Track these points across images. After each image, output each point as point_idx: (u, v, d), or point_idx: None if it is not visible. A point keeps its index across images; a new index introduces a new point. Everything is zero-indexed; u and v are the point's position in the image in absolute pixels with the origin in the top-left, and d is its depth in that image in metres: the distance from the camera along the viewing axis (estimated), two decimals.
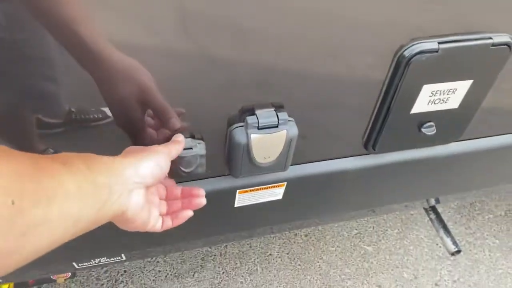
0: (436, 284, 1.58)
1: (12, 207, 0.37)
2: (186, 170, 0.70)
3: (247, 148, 0.69)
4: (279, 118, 0.68)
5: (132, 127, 0.66)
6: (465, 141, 0.89)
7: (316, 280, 1.55)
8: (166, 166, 0.58)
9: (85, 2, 0.52)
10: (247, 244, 1.62)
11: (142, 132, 0.67)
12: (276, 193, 0.86)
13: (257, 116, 0.67)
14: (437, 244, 1.69)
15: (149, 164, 0.55)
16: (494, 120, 0.88)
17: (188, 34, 0.58)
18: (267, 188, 0.83)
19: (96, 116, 0.64)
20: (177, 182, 0.76)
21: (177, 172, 0.70)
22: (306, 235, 1.66)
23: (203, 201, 0.65)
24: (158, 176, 0.56)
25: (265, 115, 0.68)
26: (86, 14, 0.53)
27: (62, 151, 0.55)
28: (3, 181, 0.38)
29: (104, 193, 0.49)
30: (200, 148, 0.69)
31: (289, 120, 0.70)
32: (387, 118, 0.75)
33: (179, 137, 0.65)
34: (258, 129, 0.68)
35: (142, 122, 0.66)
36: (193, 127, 0.69)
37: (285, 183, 0.84)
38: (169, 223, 0.62)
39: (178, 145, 0.63)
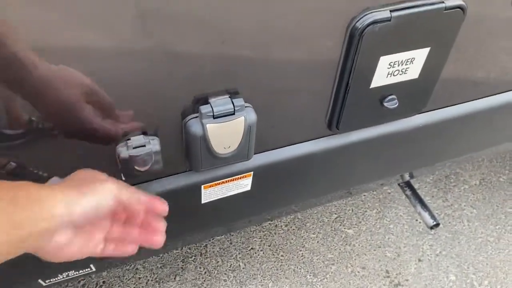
0: (419, 260, 1.59)
1: None
2: (141, 169, 0.66)
3: (205, 139, 0.66)
4: (235, 104, 0.65)
5: (83, 131, 0.62)
6: (429, 112, 0.88)
7: (300, 269, 1.53)
8: (108, 209, 0.52)
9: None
10: (227, 240, 1.59)
11: (96, 133, 0.63)
12: (244, 184, 0.83)
13: (211, 105, 0.64)
14: (416, 220, 1.69)
15: (87, 205, 0.49)
16: (456, 88, 0.87)
17: (137, 26, 0.54)
18: (233, 180, 0.80)
19: None
20: (135, 184, 0.72)
21: (133, 172, 0.66)
22: (286, 225, 1.64)
23: (161, 239, 0.61)
24: (94, 219, 0.51)
25: (220, 103, 0.65)
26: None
27: (26, 163, 0.52)
28: None
29: (21, 231, 0.44)
30: (154, 144, 0.65)
31: (246, 106, 0.67)
32: (347, 95, 0.73)
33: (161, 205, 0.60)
34: (214, 118, 0.65)
35: (92, 124, 0.61)
36: (146, 123, 0.66)
37: (252, 172, 0.81)
38: (110, 251, 0.58)
39: (146, 199, 0.58)
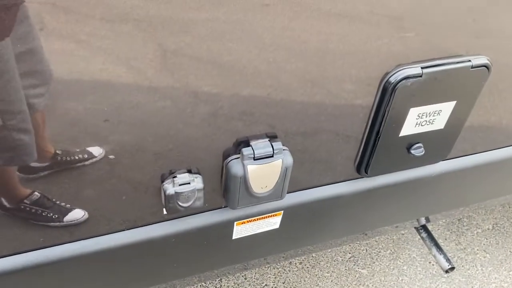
0: None
1: None
2: (185, 205, 0.70)
3: (244, 179, 0.70)
4: (274, 147, 0.70)
5: None
6: (452, 160, 0.92)
7: None
8: None
9: None
10: (242, 276, 1.60)
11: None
12: (273, 222, 0.87)
13: (252, 147, 0.69)
14: (430, 262, 1.70)
15: None
16: (478, 138, 0.92)
17: (171, 71, 0.59)
18: (264, 217, 0.84)
19: (81, 157, 0.64)
20: (175, 218, 0.76)
21: (176, 207, 0.70)
22: (300, 263, 1.65)
23: None
24: None
25: (260, 146, 0.69)
26: None
27: (48, 193, 0.54)
28: None
29: None
30: (197, 182, 0.69)
31: (283, 149, 0.71)
32: (377, 142, 0.77)
33: None
34: (254, 159, 0.69)
35: None
36: (191, 161, 0.70)
37: (282, 211, 0.84)
38: None
39: None
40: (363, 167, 0.82)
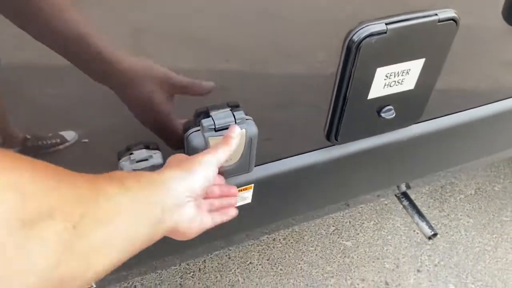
0: (418, 270, 1.59)
1: (74, 232, 0.37)
2: None
3: None
4: (236, 117, 0.66)
5: (164, 123, 0.66)
6: (426, 122, 0.89)
7: (299, 282, 1.53)
8: (214, 177, 0.58)
9: (94, 16, 0.51)
10: (226, 255, 1.58)
11: (174, 124, 0.66)
12: (245, 197, 0.84)
13: (212, 118, 0.65)
14: (414, 231, 1.70)
15: (199, 177, 0.55)
16: (450, 98, 0.89)
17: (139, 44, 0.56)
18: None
19: (55, 141, 0.61)
20: None
21: None
22: (284, 239, 1.64)
23: (234, 212, 0.66)
24: (207, 187, 0.57)
25: (221, 116, 0.66)
26: (96, 27, 0.52)
27: None
28: (66, 207, 0.38)
29: (158, 210, 0.49)
30: (156, 158, 0.66)
31: (247, 119, 0.68)
32: (345, 107, 0.74)
33: (233, 131, 0.61)
34: (216, 131, 0.65)
35: (171, 114, 0.65)
36: (148, 137, 0.66)
37: (252, 185, 0.81)
38: (218, 219, 0.63)
39: (227, 146, 0.60)
40: (332, 134, 0.79)
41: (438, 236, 1.68)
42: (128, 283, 1.48)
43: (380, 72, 0.71)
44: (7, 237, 0.33)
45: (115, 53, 0.54)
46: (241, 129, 0.66)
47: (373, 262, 1.60)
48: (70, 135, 0.62)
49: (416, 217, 1.42)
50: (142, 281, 1.50)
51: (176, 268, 1.54)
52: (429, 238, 1.38)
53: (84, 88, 0.57)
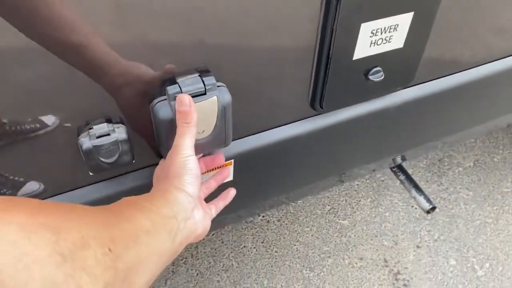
0: (417, 246, 1.54)
1: (111, 254, 0.40)
2: (108, 161, 0.60)
3: (175, 123, 0.60)
4: (206, 83, 0.59)
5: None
6: (418, 86, 0.83)
7: (295, 264, 1.48)
8: (197, 167, 0.58)
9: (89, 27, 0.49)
10: (219, 240, 1.53)
11: None
12: None
13: (179, 85, 0.58)
14: (412, 206, 1.64)
15: (190, 179, 0.56)
16: (444, 59, 0.82)
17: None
18: (212, 169, 0.74)
19: (34, 126, 0.57)
20: (103, 180, 0.67)
21: (99, 165, 0.60)
22: (278, 220, 1.59)
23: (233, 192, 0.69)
24: (200, 182, 0.58)
25: (189, 82, 0.59)
26: (91, 37, 0.52)
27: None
28: (97, 233, 0.40)
29: (173, 223, 0.51)
30: (119, 132, 0.59)
31: (218, 86, 0.61)
32: (329, 69, 0.68)
33: (181, 104, 0.57)
34: None
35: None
36: (111, 110, 0.60)
37: (232, 160, 0.75)
38: (221, 205, 0.68)
39: (188, 125, 0.58)
40: (317, 101, 0.73)
41: (437, 210, 1.63)
42: None
43: (365, 28, 0.64)
44: (55, 271, 0.35)
45: (87, 37, 0.52)
46: (212, 96, 0.60)
47: (371, 240, 1.55)
48: (50, 119, 0.58)
49: (414, 191, 1.36)
50: None
51: None
52: (428, 212, 1.33)
53: (59, 70, 0.53)
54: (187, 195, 0.55)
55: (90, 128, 0.58)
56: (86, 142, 0.58)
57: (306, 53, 0.67)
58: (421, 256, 1.51)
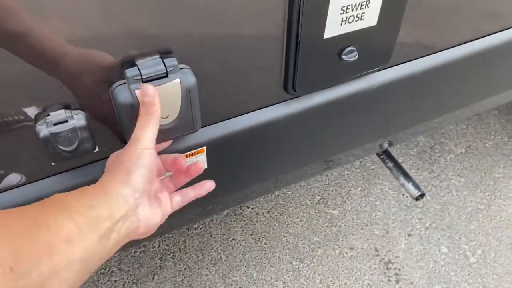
0: (409, 235, 1.52)
1: (11, 274, 0.37)
2: (68, 149, 0.57)
3: (136, 108, 0.57)
4: (167, 65, 0.57)
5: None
6: (396, 66, 0.80)
7: (285, 255, 1.46)
8: (155, 163, 0.55)
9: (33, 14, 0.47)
10: (207, 233, 1.51)
11: None
12: (198, 161, 0.75)
13: (138, 67, 0.56)
14: (403, 194, 1.62)
15: (139, 174, 0.52)
16: (422, 38, 0.80)
17: None
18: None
19: (18, 118, 0.56)
20: (66, 170, 0.65)
21: (59, 153, 0.58)
22: (268, 212, 1.56)
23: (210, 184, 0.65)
24: (153, 176, 0.55)
25: (149, 65, 0.56)
26: (37, 25, 0.49)
27: None
28: None
29: (108, 224, 0.47)
30: (78, 119, 0.57)
31: (181, 67, 0.59)
32: (299, 49, 0.65)
33: (145, 93, 0.54)
34: (143, 82, 0.56)
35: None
36: (69, 96, 0.57)
37: (204, 147, 0.73)
38: (179, 202, 0.62)
39: (150, 117, 0.55)
40: (290, 84, 0.70)
41: (429, 197, 1.61)
42: (105, 268, 1.41)
43: (334, 3, 0.62)
44: None
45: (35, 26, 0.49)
46: (175, 79, 0.57)
47: (361, 229, 1.53)
48: (32, 111, 0.56)
49: (402, 178, 1.34)
50: (119, 265, 1.42)
51: (155, 250, 1.46)
52: (417, 199, 1.31)
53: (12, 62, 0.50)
54: (133, 190, 0.51)
55: (47, 115, 0.56)
56: (43, 129, 0.55)
57: (275, 32, 0.65)
58: (412, 245, 1.49)
